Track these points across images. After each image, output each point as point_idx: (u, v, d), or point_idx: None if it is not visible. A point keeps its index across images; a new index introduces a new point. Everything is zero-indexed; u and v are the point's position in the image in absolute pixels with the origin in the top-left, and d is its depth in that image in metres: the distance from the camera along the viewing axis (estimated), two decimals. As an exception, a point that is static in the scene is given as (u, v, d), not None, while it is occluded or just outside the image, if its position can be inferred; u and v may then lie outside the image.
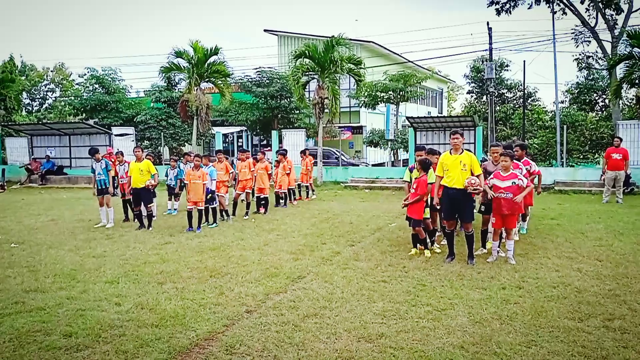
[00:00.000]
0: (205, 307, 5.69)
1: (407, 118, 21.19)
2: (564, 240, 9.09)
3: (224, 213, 12.36)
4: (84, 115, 31.34)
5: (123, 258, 8.24)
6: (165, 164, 30.05)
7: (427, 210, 8.27)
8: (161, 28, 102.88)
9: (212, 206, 11.52)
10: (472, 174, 7.36)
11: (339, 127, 31.54)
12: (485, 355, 4.34)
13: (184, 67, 22.80)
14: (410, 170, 8.63)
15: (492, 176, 7.68)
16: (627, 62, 19.20)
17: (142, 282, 6.75)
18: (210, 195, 11.28)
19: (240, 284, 6.59)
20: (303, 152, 17.40)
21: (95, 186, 11.72)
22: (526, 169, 9.55)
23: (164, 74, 24.17)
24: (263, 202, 13.32)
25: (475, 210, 8.23)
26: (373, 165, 29.68)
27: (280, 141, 23.90)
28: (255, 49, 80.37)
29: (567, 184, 18.10)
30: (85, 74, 30.91)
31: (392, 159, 27.25)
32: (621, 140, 15.19)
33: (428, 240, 8.33)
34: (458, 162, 7.33)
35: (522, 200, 7.52)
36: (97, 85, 30.71)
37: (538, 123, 30.19)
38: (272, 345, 4.65)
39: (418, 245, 8.27)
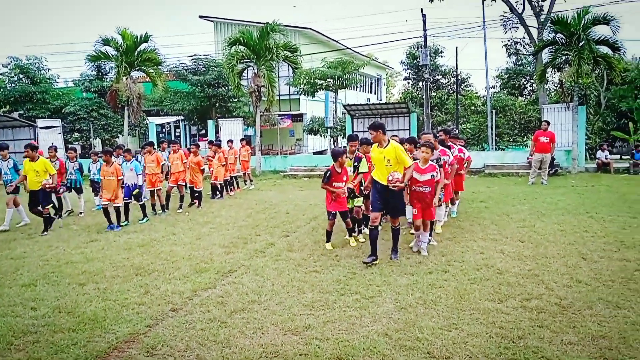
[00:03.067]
0: (127, 308, 5.47)
1: (344, 106, 21.33)
2: (490, 223, 9.44)
3: (162, 207, 12.13)
4: (7, 107, 29.46)
5: (44, 259, 7.81)
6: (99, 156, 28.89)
7: (359, 199, 8.27)
8: (94, 16, 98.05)
9: (140, 202, 11.14)
10: (405, 167, 6.94)
11: (279, 115, 31.31)
12: (408, 341, 4.42)
13: (112, 55, 21.82)
14: (358, 161, 8.37)
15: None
16: (551, 47, 20.08)
17: (62, 284, 6.41)
18: (137, 190, 10.90)
19: (167, 282, 6.40)
20: (239, 141, 17.21)
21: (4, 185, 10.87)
22: (460, 155, 9.85)
23: (91, 63, 23.01)
24: (197, 194, 13.02)
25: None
26: (314, 153, 29.74)
27: (217, 131, 23.45)
28: (191, 35, 78.22)
29: (497, 167, 18.86)
30: (8, 64, 28.97)
31: (332, 147, 27.38)
32: (548, 123, 15.92)
33: (356, 228, 8.45)
34: (382, 158, 6.98)
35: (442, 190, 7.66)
36: (21, 76, 28.87)
37: (471, 108, 31.26)
38: (196, 344, 4.53)
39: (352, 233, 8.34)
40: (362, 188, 8.19)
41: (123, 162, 11.21)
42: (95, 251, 8.22)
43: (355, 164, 8.30)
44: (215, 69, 27.64)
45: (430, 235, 7.79)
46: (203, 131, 33.84)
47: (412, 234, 8.08)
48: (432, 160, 7.51)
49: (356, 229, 8.51)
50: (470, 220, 9.72)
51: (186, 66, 28.87)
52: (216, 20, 36.13)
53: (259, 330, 4.82)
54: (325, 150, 29.44)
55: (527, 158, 18.26)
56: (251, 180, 17.44)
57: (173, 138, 35.54)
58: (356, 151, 8.42)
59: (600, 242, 7.76)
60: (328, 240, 7.99)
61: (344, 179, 7.86)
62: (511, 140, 27.64)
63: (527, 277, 6.16)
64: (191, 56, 28.98)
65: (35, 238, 9.52)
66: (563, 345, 4.27)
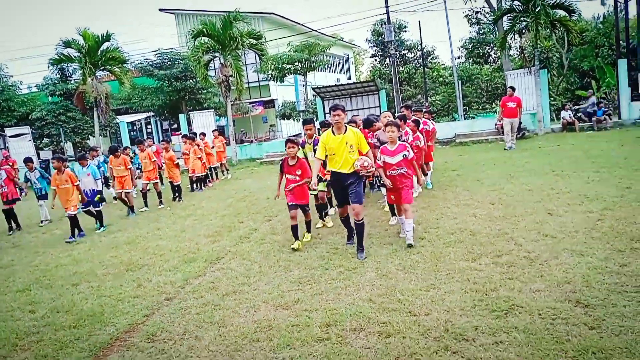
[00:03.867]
0: (123, 301, 5.71)
1: (313, 89, 21.48)
2: (462, 190, 9.86)
3: (130, 209, 11.87)
4: (-29, 118, 28.81)
5: (33, 265, 7.96)
6: (71, 160, 28.59)
7: (322, 183, 7.97)
8: (50, 17, 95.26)
9: (97, 208, 10.48)
10: (360, 154, 6.38)
11: (250, 103, 31.30)
12: (390, 304, 4.76)
13: (75, 57, 21.52)
14: (302, 146, 8.00)
15: (380, 153, 6.84)
16: (509, 15, 20.52)
17: (56, 287, 6.60)
18: (98, 196, 10.48)
19: (158, 274, 6.64)
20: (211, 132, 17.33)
21: None
22: (425, 128, 10.21)
23: (54, 66, 22.64)
24: (176, 188, 13.15)
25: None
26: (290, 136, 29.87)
27: (190, 124, 23.42)
28: (153, 28, 76.84)
29: (467, 136, 19.34)
30: (-32, 73, 28.28)
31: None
32: (514, 89, 16.40)
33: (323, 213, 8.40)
34: (343, 144, 6.26)
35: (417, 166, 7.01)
36: (-18, 84, 28.23)
37: (439, 80, 31.72)
38: (193, 327, 4.81)
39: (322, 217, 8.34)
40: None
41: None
42: (82, 252, 8.38)
43: (315, 148, 7.57)
44: (181, 62, 27.44)
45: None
46: (175, 125, 33.64)
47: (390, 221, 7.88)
48: (400, 139, 7.06)
49: (323, 213, 8.40)
50: (443, 189, 10.12)
51: (151, 61, 28.57)
52: (177, 12, 35.70)
53: (252, 308, 5.11)
54: (300, 134, 29.62)
55: (495, 124, 18.78)
56: (227, 170, 17.59)
57: (145, 135, 35.26)
58: (315, 134, 8.01)
59: (565, 197, 8.22)
60: (296, 238, 7.19)
61: (297, 172, 7.15)
62: (480, 108, 28.25)
63: (497, 236, 6.56)
64: (155, 51, 28.68)
65: (20, 245, 9.61)
66: (532, 293, 4.67)
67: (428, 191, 10.01)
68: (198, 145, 14.76)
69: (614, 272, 4.92)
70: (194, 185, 14.69)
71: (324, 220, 8.39)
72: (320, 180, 7.69)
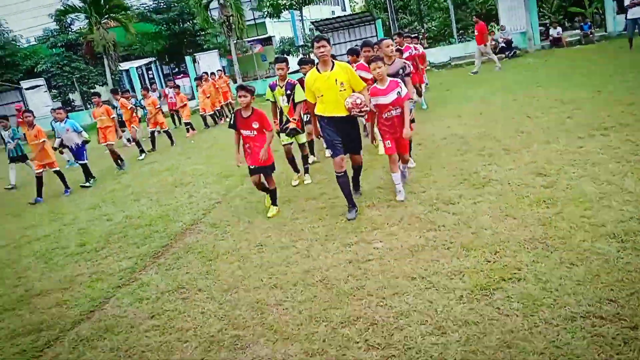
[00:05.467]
0: (182, 207, 7.11)
1: (312, 23, 22.13)
2: (454, 104, 11.08)
3: (118, 161, 11.18)
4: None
5: (88, 193, 9.35)
6: (78, 110, 29.55)
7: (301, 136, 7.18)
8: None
9: (82, 162, 10.05)
10: (354, 91, 5.33)
11: (248, 42, 31.83)
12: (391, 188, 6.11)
13: (80, 7, 22.09)
14: (272, 89, 7.03)
15: (369, 95, 5.55)
16: None
17: (119, 203, 8.02)
18: (80, 149, 10.06)
19: (203, 187, 8.02)
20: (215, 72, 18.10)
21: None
22: (416, 52, 11.22)
23: (60, 17, 23.25)
24: (165, 133, 13.54)
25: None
26: (289, 74, 30.58)
27: (196, 65, 24.21)
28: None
29: (461, 58, 20.26)
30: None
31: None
32: (479, 17, 17.30)
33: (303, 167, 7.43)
34: (332, 82, 5.23)
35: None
36: (-16, 41, 28.86)
37: (434, 6, 31.99)
38: (242, 215, 6.20)
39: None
40: (305, 121, 7.20)
41: (55, 122, 10.50)
42: (129, 180, 9.77)
43: (288, 92, 6.84)
44: (177, 5, 27.84)
45: (404, 175, 6.20)
46: (176, 70, 34.31)
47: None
48: (397, 74, 6.06)
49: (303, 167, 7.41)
50: (438, 106, 11.32)
51: (147, 6, 28.95)
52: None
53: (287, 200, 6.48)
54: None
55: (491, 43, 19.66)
56: (234, 108, 18.66)
57: (147, 81, 35.94)
58: (287, 76, 6.97)
59: (543, 103, 9.41)
60: (275, 203, 6.16)
61: (254, 125, 5.77)
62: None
63: (482, 136, 7.84)
64: (151, -5, 29.03)
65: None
66: (505, 172, 5.98)
67: (424, 111, 11.19)
68: (206, 85, 15.63)
69: (571, 152, 6.22)
70: (206, 122, 15.81)
71: (301, 176, 7.38)
72: (297, 132, 6.91)
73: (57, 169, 9.67)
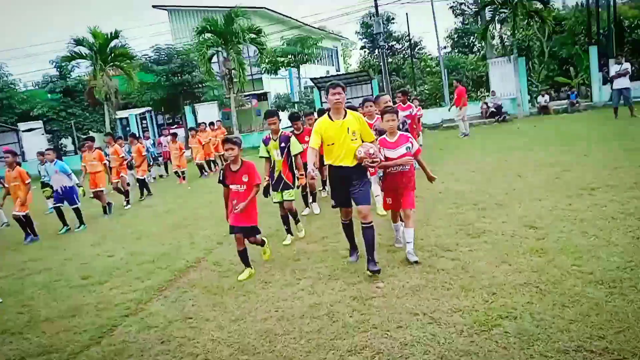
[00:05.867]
0: (183, 247, 7.29)
1: (312, 79, 23.01)
2: (448, 162, 11.52)
3: (106, 208, 11.07)
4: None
5: (88, 230, 9.46)
6: (69, 155, 29.71)
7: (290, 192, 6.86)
8: (45, 16, 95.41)
9: (74, 206, 9.88)
10: (363, 142, 5.21)
11: (245, 96, 32.72)
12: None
13: (85, 54, 22.84)
14: (265, 143, 6.90)
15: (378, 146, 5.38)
16: (490, 7, 22.23)
17: (121, 241, 8.16)
18: (81, 188, 10.17)
19: (204, 229, 8.21)
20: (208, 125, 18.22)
21: None
22: (409, 111, 11.76)
23: (64, 64, 23.94)
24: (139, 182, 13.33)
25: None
26: (283, 129, 31.31)
27: (195, 115, 24.79)
28: (147, 27, 77.91)
29: (452, 121, 21.03)
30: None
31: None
32: (459, 81, 18.45)
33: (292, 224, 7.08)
34: (344, 130, 5.12)
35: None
36: (-17, 83, 29.33)
37: (426, 70, 33.37)
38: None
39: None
40: (297, 176, 6.94)
41: (42, 165, 10.54)
42: (129, 220, 9.93)
43: (282, 145, 6.77)
44: (178, 57, 28.68)
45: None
46: (171, 120, 34.92)
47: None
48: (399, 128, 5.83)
49: (294, 220, 7.07)
50: (431, 164, 11.64)
51: (149, 57, 29.79)
52: (170, 8, 36.83)
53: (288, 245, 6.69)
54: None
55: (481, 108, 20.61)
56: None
57: (139, 130, 36.37)
58: (281, 129, 6.85)
59: (533, 164, 9.89)
60: (246, 265, 5.72)
61: (244, 179, 5.57)
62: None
63: (475, 192, 8.21)
64: (152, 47, 29.95)
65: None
66: (498, 224, 6.28)
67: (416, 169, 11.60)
68: (199, 136, 15.91)
69: (561, 208, 6.57)
70: (202, 171, 16.03)
71: (297, 231, 7.12)
72: (287, 187, 6.82)
73: (21, 214, 9.17)
